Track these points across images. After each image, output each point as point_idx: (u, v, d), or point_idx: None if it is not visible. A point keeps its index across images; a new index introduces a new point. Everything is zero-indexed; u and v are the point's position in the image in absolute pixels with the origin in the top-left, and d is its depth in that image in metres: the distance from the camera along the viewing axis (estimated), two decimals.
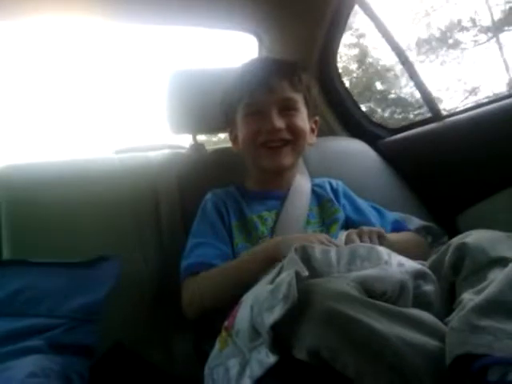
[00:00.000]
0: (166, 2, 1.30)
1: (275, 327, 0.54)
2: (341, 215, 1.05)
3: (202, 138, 1.46)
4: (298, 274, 0.57)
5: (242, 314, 0.63)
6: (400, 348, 0.49)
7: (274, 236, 0.98)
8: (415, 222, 1.14)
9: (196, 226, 1.03)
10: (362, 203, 1.12)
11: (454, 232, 1.33)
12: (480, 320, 0.50)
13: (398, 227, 1.07)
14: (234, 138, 1.11)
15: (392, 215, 1.11)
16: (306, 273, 0.58)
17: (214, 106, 1.15)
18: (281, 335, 0.55)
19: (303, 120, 1.04)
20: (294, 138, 1.02)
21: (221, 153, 1.29)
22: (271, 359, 0.55)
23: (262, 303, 0.58)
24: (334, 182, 1.16)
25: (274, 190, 1.08)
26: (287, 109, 1.02)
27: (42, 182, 1.09)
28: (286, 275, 0.58)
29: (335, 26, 1.46)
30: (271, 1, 1.36)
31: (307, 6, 1.38)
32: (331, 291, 0.55)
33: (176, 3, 1.32)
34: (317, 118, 1.13)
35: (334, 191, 1.13)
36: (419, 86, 1.47)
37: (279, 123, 0.99)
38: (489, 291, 0.53)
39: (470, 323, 0.50)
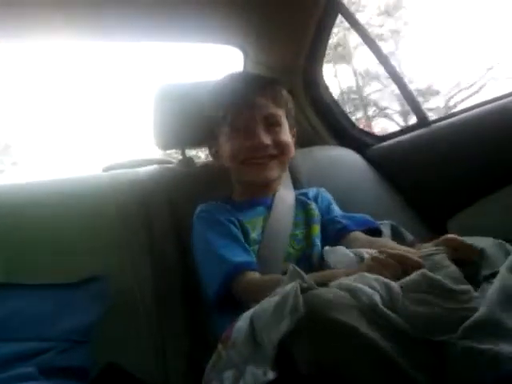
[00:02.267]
0: (151, 19, 1.30)
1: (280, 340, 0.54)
2: (319, 218, 1.09)
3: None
4: (302, 287, 0.56)
5: (240, 326, 0.62)
6: (400, 360, 0.49)
7: (264, 241, 0.99)
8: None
9: (204, 233, 0.99)
10: (337, 210, 1.14)
11: None
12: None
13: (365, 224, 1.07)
14: (214, 153, 1.13)
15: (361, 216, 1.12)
16: (309, 284, 0.58)
17: (202, 120, 1.15)
18: (282, 348, 0.54)
19: (286, 134, 1.07)
20: (280, 152, 1.04)
21: (210, 166, 1.28)
22: (270, 375, 0.54)
23: (268, 317, 0.57)
24: (315, 190, 1.19)
25: (260, 198, 1.09)
26: (272, 125, 1.04)
27: (30, 203, 1.07)
28: (290, 288, 0.57)
29: (319, 36, 1.47)
30: (256, 14, 1.37)
31: (291, 19, 1.39)
32: (332, 301, 0.55)
33: (162, 20, 1.32)
34: (294, 128, 1.15)
35: (315, 196, 1.16)
36: (404, 92, 1.48)
37: (266, 139, 1.01)
38: (480, 311, 0.53)
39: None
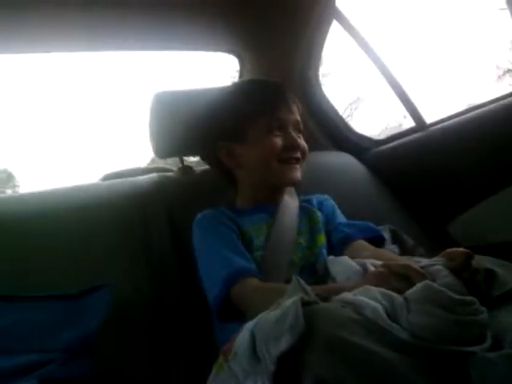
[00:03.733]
0: (147, 29, 1.31)
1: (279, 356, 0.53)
2: (323, 226, 1.09)
3: None
4: (303, 301, 0.56)
5: (241, 339, 0.62)
6: (404, 373, 0.48)
7: (268, 248, 0.98)
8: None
9: (203, 240, 1.00)
10: (341, 218, 1.14)
11: (446, 241, 1.34)
12: None
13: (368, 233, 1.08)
14: (228, 153, 1.08)
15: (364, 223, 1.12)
16: (311, 298, 0.58)
17: (201, 127, 1.15)
18: (283, 363, 0.53)
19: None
20: (302, 157, 1.07)
21: (209, 173, 1.28)
22: None
23: (268, 332, 0.56)
24: (320, 197, 1.19)
25: (265, 204, 1.08)
26: (297, 130, 1.07)
27: (29, 214, 1.07)
28: (291, 302, 0.56)
29: (315, 42, 1.47)
30: (252, 21, 1.37)
31: (287, 25, 1.40)
32: (334, 317, 0.54)
33: (158, 29, 1.32)
34: None
35: (319, 204, 1.16)
36: (401, 96, 1.49)
37: (299, 142, 1.05)
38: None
39: None
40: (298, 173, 1.05)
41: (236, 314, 0.88)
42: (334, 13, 1.40)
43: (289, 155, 1.04)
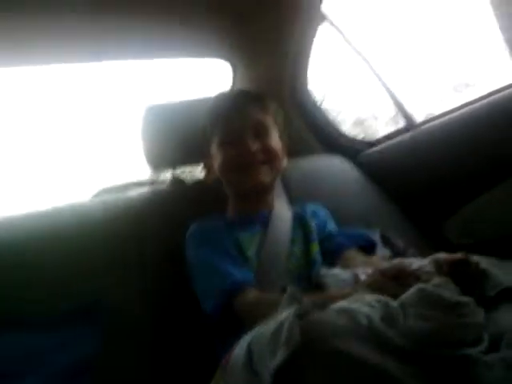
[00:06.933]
0: (139, 36, 1.29)
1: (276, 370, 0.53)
2: (316, 235, 1.08)
3: None
4: (298, 313, 0.56)
5: (238, 352, 0.61)
6: (401, 380, 0.48)
7: (261, 258, 0.98)
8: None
9: (197, 252, 0.99)
10: (333, 226, 1.14)
11: (441, 240, 1.34)
12: None
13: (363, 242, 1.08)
14: (207, 170, 1.16)
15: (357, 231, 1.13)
16: (307, 307, 0.58)
17: (193, 138, 1.16)
18: (280, 377, 0.53)
19: (276, 141, 1.09)
20: (270, 158, 1.06)
21: (201, 184, 1.28)
22: None
23: (264, 345, 0.56)
24: (314, 205, 1.18)
25: (256, 214, 1.08)
26: (261, 132, 1.06)
27: (20, 235, 1.05)
28: (285, 316, 0.56)
29: (303, 47, 1.47)
30: (243, 28, 1.37)
31: (277, 31, 1.39)
32: (329, 328, 0.54)
33: (150, 36, 1.31)
34: (284, 141, 1.15)
35: (312, 212, 1.15)
36: (391, 96, 1.49)
37: (253, 146, 1.03)
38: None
39: None
40: (260, 174, 1.04)
41: (233, 325, 0.86)
42: (319, 18, 1.40)
43: (244, 162, 1.03)
